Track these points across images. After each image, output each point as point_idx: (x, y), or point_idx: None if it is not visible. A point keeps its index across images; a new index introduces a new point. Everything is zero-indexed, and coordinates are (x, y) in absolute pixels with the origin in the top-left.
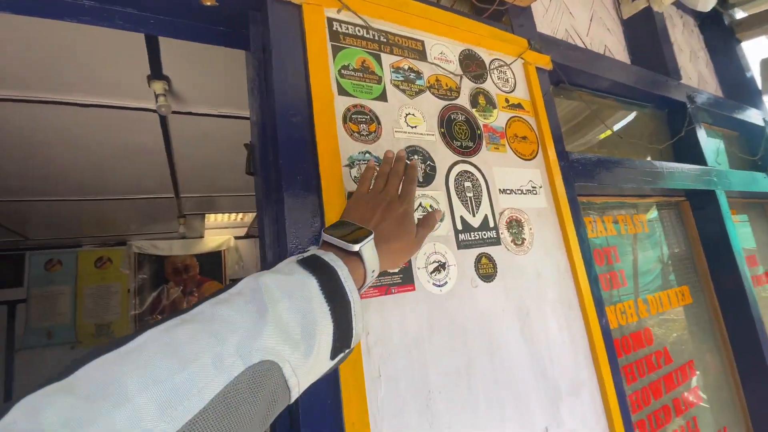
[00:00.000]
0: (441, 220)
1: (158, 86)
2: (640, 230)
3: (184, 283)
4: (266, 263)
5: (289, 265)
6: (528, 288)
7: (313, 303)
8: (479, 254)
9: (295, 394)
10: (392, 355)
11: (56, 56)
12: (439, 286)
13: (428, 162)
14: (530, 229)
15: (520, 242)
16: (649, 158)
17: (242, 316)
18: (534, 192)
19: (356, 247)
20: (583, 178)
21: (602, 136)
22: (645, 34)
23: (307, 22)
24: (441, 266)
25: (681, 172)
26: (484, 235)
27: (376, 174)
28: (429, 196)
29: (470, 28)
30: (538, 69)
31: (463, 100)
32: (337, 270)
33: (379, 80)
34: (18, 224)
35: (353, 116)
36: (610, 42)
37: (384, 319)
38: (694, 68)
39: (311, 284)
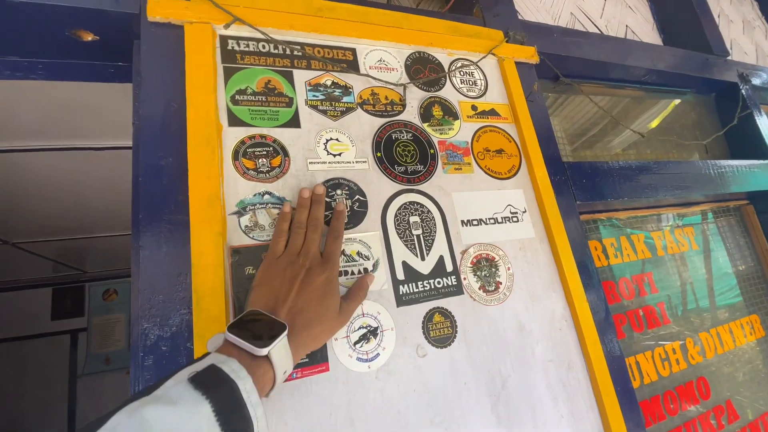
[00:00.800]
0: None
1: None
2: (686, 248)
3: None
4: (134, 348)
5: (179, 387)
6: (505, 349)
7: None
8: (430, 310)
9: None
10: None
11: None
12: (366, 361)
13: (356, 197)
14: (508, 269)
15: (492, 288)
16: (696, 156)
17: None
18: (515, 219)
19: (265, 351)
20: (590, 194)
21: (632, 130)
22: (678, 6)
23: (188, 42)
24: (371, 332)
25: (739, 171)
26: (438, 283)
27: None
28: (356, 241)
29: (421, 27)
30: (519, 64)
31: (410, 115)
32: (238, 385)
33: (290, 102)
34: (77, 260)
35: (249, 150)
36: (632, 21)
37: (279, 417)
38: (750, 41)
39: (203, 415)
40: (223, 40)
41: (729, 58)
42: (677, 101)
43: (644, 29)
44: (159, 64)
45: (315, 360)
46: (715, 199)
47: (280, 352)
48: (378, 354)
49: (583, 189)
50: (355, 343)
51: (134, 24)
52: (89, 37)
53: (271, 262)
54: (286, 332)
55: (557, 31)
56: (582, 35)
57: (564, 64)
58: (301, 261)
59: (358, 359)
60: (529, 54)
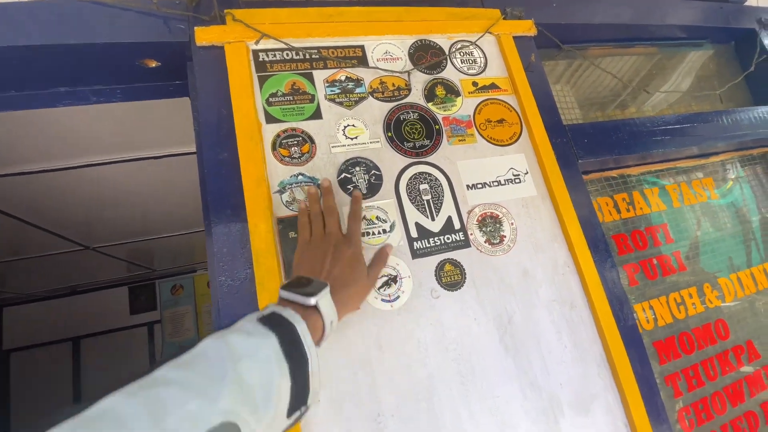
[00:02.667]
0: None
1: None
2: (704, 198)
3: None
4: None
5: (250, 324)
6: (510, 291)
7: (273, 363)
8: (441, 261)
9: None
10: (333, 379)
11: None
12: (389, 301)
13: (373, 172)
14: (512, 224)
15: (497, 241)
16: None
17: (203, 379)
18: (517, 180)
19: (313, 301)
20: (593, 152)
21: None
22: None
23: (229, 60)
24: (392, 280)
25: (760, 117)
26: (447, 239)
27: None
28: (375, 207)
29: (421, 17)
30: (517, 38)
31: (416, 97)
32: (296, 326)
33: (312, 99)
34: (147, 259)
35: (283, 141)
36: None
37: (324, 344)
38: None
39: (271, 343)
40: (255, 53)
41: (747, 3)
42: (693, 55)
43: None
44: (209, 79)
45: None
46: (738, 148)
47: (326, 303)
48: (398, 296)
49: (585, 148)
50: (379, 288)
51: (186, 49)
52: (153, 64)
53: (303, 248)
54: (328, 287)
55: (555, 0)
56: (581, 1)
57: (568, 31)
58: (327, 240)
59: (383, 300)
60: (526, 27)
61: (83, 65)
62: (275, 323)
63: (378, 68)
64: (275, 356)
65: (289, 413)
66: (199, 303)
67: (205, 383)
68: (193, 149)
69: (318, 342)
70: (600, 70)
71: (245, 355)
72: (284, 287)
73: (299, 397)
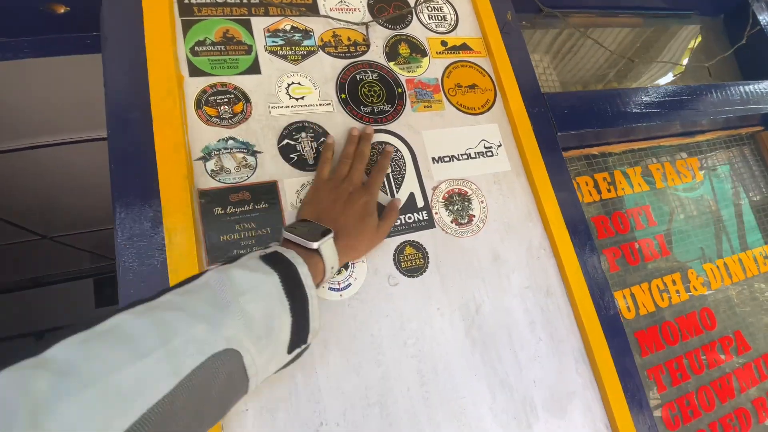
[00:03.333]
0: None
1: None
2: (689, 179)
3: None
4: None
5: (252, 261)
6: (479, 277)
7: (274, 299)
8: (401, 243)
9: (253, 384)
10: (264, 383)
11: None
12: (338, 290)
13: (322, 139)
14: (481, 202)
15: (465, 221)
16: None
17: (207, 307)
18: (489, 154)
19: (315, 245)
20: (573, 124)
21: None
22: None
23: (145, 1)
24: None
25: (750, 92)
26: (409, 219)
27: (339, 155)
28: None
29: None
30: None
31: (375, 54)
32: (297, 267)
33: (249, 50)
34: (112, 250)
35: (210, 98)
36: None
37: None
38: None
39: (273, 280)
40: None
41: None
42: (678, 28)
43: None
44: (121, 25)
45: None
46: (725, 127)
47: (328, 249)
48: (349, 284)
49: (565, 120)
50: None
51: None
52: (62, 9)
53: (318, 185)
54: (332, 234)
55: None
56: None
57: None
58: (344, 185)
59: (330, 288)
60: None
61: None
62: (277, 262)
63: (330, 17)
64: (277, 292)
65: (290, 349)
66: None
67: (209, 311)
68: None
69: (318, 284)
70: (581, 41)
71: (248, 288)
72: (288, 228)
73: (300, 334)
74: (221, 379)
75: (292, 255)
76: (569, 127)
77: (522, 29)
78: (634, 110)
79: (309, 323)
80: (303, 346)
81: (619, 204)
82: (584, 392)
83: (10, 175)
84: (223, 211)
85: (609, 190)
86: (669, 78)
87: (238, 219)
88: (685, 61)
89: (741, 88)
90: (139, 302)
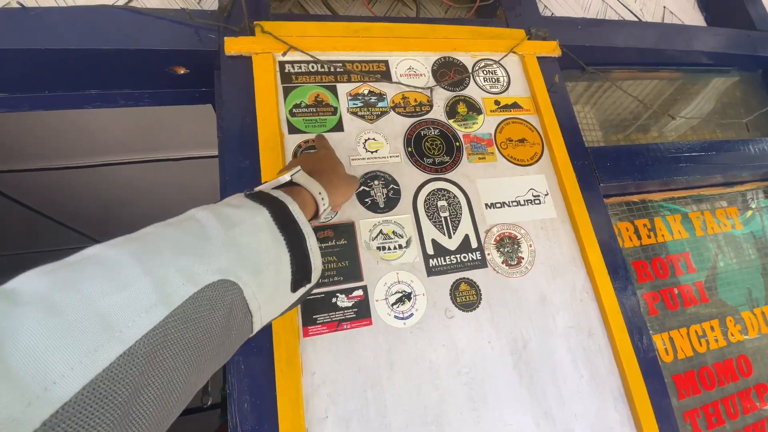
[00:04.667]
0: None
1: None
2: (728, 228)
3: None
4: None
5: (238, 199)
6: (527, 315)
7: (267, 233)
8: (457, 280)
9: (257, 322)
10: (342, 395)
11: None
12: (402, 318)
13: (391, 186)
14: (530, 245)
15: (514, 262)
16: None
17: (196, 238)
18: (537, 201)
19: (287, 177)
20: (615, 176)
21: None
22: None
23: (256, 70)
24: (405, 296)
25: None
26: (464, 258)
27: None
28: (393, 222)
29: (446, 35)
30: (541, 59)
31: (437, 113)
32: (285, 203)
33: (335, 111)
34: None
35: (304, 152)
36: (671, 2)
37: (334, 358)
38: None
39: (263, 214)
40: (281, 65)
41: None
42: (718, 80)
43: (683, 8)
44: (235, 88)
45: (361, 315)
46: (764, 178)
47: (303, 177)
48: (412, 314)
49: (608, 172)
50: (393, 304)
51: (215, 58)
52: (182, 71)
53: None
54: (298, 166)
55: (581, 22)
56: (605, 24)
57: (591, 53)
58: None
59: (395, 317)
60: (550, 48)
61: (115, 70)
62: (265, 198)
63: (401, 83)
64: (268, 227)
65: (294, 287)
66: None
67: (198, 242)
68: (208, 153)
69: (314, 216)
70: (621, 92)
71: (238, 222)
72: (259, 185)
73: (302, 272)
74: (220, 312)
75: (277, 192)
76: (611, 178)
77: (568, 85)
78: (673, 163)
79: (310, 260)
80: (308, 285)
81: (660, 250)
82: (622, 429)
83: (81, 188)
84: None
85: (649, 236)
86: (702, 119)
87: (323, 252)
88: (711, 108)
89: None
90: (118, 238)
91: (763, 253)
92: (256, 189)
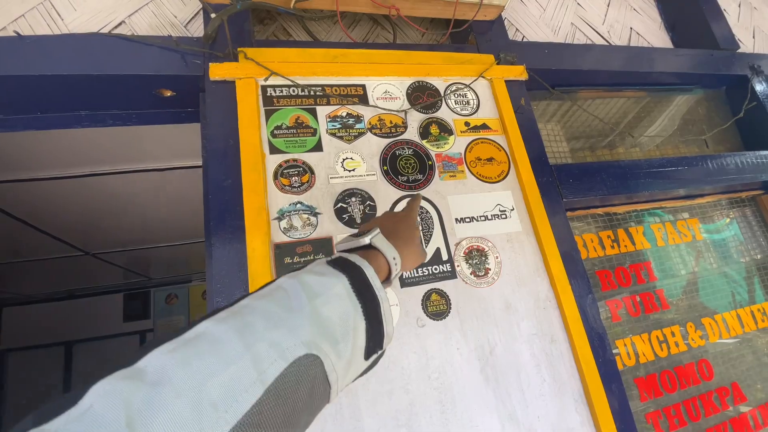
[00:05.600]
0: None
1: None
2: (689, 239)
3: None
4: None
5: (320, 266)
6: (493, 323)
7: (347, 300)
8: (428, 291)
9: (334, 393)
10: None
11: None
12: None
13: (367, 202)
14: (496, 257)
15: (482, 273)
16: (706, 152)
17: (284, 311)
18: (503, 216)
19: (367, 240)
20: (577, 191)
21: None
22: (684, 2)
23: (239, 94)
24: None
25: (747, 163)
26: (435, 269)
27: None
28: None
29: (420, 60)
30: (509, 82)
31: (411, 134)
32: (363, 268)
33: (314, 132)
34: (143, 268)
35: (285, 171)
36: (638, 23)
37: None
38: (748, 25)
39: (343, 282)
40: (263, 89)
41: (739, 50)
42: (682, 98)
43: (650, 29)
44: (219, 111)
45: None
46: (725, 191)
47: (381, 241)
48: None
49: (571, 188)
50: None
51: (200, 82)
52: (168, 93)
53: None
54: (377, 228)
55: (548, 47)
56: (572, 48)
57: (558, 76)
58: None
59: None
60: (517, 72)
61: (104, 92)
62: (344, 266)
63: (377, 107)
64: (348, 295)
65: (367, 355)
66: (193, 313)
67: (286, 315)
68: (192, 163)
69: (386, 280)
70: (588, 112)
71: (320, 292)
72: (338, 243)
73: (375, 339)
74: (305, 386)
75: (355, 258)
76: (574, 193)
77: (536, 105)
78: (635, 179)
79: (383, 326)
80: (379, 352)
81: (623, 259)
82: (582, 429)
83: (64, 198)
84: (290, 261)
85: (612, 247)
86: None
87: (301, 267)
88: (676, 125)
89: (737, 159)
90: (220, 309)
91: (732, 261)
92: (337, 251)
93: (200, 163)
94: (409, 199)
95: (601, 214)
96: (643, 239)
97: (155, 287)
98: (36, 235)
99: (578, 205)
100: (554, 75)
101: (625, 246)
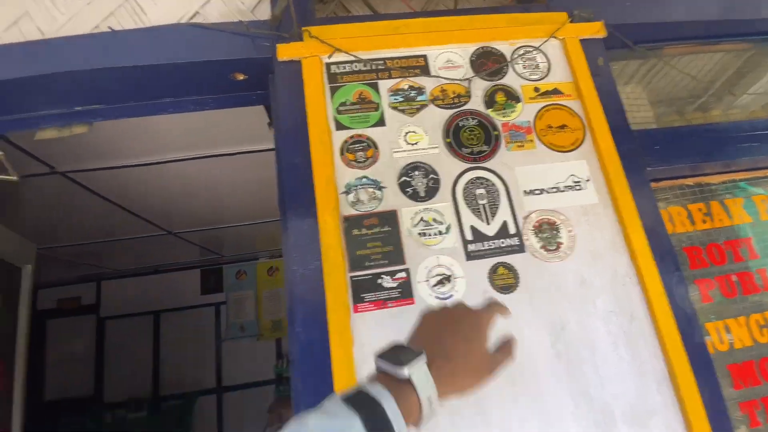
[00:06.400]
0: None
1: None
2: None
3: None
4: (285, 285)
5: (334, 405)
6: (565, 298)
7: None
8: (495, 264)
9: None
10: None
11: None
12: (443, 299)
13: (431, 176)
14: (569, 231)
15: (553, 247)
16: None
17: None
18: (577, 187)
19: (405, 372)
20: (665, 160)
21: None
22: None
23: (305, 73)
24: (445, 279)
25: None
26: (502, 243)
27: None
28: (432, 210)
29: (484, 24)
30: (584, 41)
31: (475, 103)
32: (383, 405)
33: (377, 107)
34: (215, 245)
35: (350, 146)
36: None
37: (382, 332)
38: None
39: (355, 426)
40: (328, 66)
41: None
42: None
43: None
44: (287, 90)
45: (404, 295)
46: None
47: (420, 375)
48: (452, 295)
49: (656, 156)
50: (433, 285)
51: (269, 64)
52: (241, 77)
53: (426, 314)
54: (423, 356)
55: None
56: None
57: (641, 30)
58: (448, 312)
59: (436, 297)
60: (594, 29)
61: (185, 80)
62: (360, 403)
63: (440, 77)
64: None
65: None
66: (260, 289)
67: None
68: (261, 147)
69: (416, 421)
70: (677, 70)
71: None
72: (379, 354)
73: None
74: None
75: (377, 391)
76: (661, 162)
77: (616, 66)
78: (733, 144)
79: None
80: None
81: (716, 235)
82: (665, 411)
83: (149, 183)
84: (358, 233)
85: (704, 221)
86: None
87: (369, 239)
88: None
89: None
90: None
91: None
92: (375, 365)
93: (265, 147)
94: (490, 299)
95: (691, 184)
96: (742, 213)
97: (227, 264)
98: (127, 217)
99: (664, 175)
100: (637, 30)
101: (720, 220)
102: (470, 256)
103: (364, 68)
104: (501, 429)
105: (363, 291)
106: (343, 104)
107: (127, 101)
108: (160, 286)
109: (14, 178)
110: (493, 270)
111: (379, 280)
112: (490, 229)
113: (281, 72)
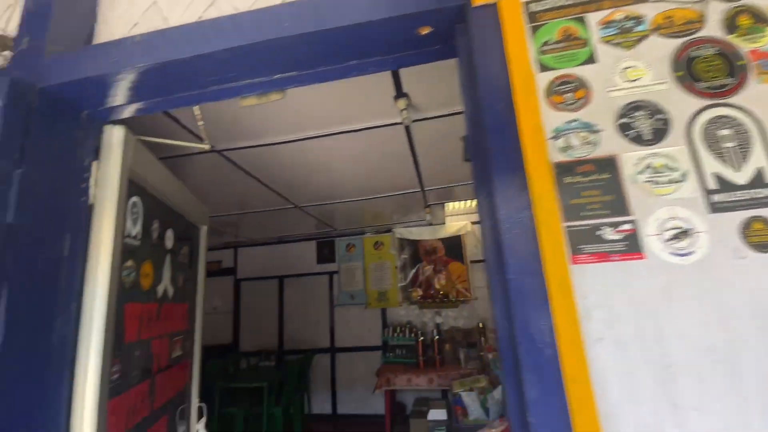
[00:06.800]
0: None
1: (401, 103)
2: None
3: (433, 263)
4: (484, 236)
5: None
6: None
7: None
8: (748, 218)
9: None
10: (618, 321)
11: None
12: (681, 255)
13: (657, 116)
14: None
15: None
16: None
17: None
18: None
19: None
20: None
21: None
22: None
23: (502, 15)
24: (682, 233)
25: None
26: (757, 194)
27: None
28: (661, 155)
29: None
30: None
31: (711, 29)
32: None
33: (585, 43)
34: (329, 219)
35: (557, 88)
36: None
37: (605, 286)
38: None
39: None
40: (526, 5)
41: None
42: None
43: None
44: (484, 36)
45: (631, 249)
46: None
47: None
48: (692, 252)
49: None
50: (668, 240)
51: (456, 13)
52: (426, 31)
53: None
54: None
55: None
56: None
57: None
58: None
59: (672, 254)
60: None
61: (369, 40)
62: None
63: (663, 1)
64: None
65: None
66: (367, 261)
67: None
68: (384, 122)
69: None
70: None
71: None
72: None
73: None
74: None
75: None
76: None
77: None
78: None
79: None
80: None
81: None
82: None
83: (285, 159)
84: (571, 180)
85: None
86: None
87: (585, 187)
88: None
89: None
90: None
91: None
92: None
93: (388, 122)
94: None
95: None
96: None
97: (338, 237)
98: (264, 191)
99: None
100: None
101: None
102: (714, 207)
103: (567, 3)
104: (762, 401)
105: (581, 242)
106: (546, 44)
107: (317, 67)
108: (284, 254)
109: (207, 147)
110: (746, 225)
111: (599, 232)
112: (741, 177)
113: (477, 17)
